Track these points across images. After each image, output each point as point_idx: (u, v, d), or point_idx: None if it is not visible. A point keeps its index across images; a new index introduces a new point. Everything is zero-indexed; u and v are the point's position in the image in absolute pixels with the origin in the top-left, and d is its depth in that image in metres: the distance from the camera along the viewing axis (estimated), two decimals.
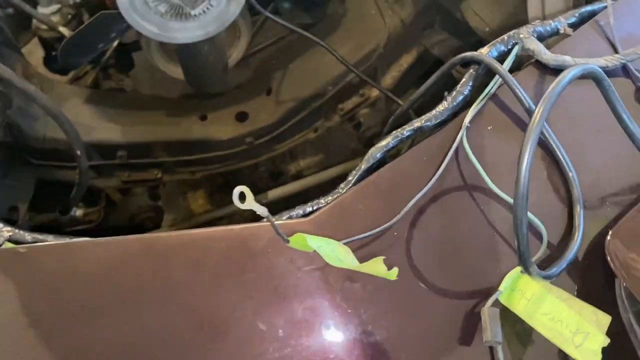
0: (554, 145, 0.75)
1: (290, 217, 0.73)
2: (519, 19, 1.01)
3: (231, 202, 1.50)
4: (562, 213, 0.73)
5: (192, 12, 0.99)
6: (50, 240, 0.70)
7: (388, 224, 0.70)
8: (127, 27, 1.02)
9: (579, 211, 0.71)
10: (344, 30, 1.20)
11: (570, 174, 0.73)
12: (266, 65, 1.24)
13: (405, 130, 0.79)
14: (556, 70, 0.78)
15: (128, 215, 1.21)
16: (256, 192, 1.34)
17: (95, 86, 1.22)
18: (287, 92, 1.20)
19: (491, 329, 0.63)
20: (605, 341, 0.62)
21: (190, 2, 0.99)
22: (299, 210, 0.74)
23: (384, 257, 0.64)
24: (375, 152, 0.79)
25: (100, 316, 0.63)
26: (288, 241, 0.65)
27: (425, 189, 0.72)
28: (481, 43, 1.09)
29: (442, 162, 0.74)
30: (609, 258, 0.65)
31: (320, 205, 0.73)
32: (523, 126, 0.77)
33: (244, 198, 0.62)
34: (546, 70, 0.80)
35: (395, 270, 0.63)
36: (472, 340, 0.66)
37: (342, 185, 0.76)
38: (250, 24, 1.17)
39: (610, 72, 0.78)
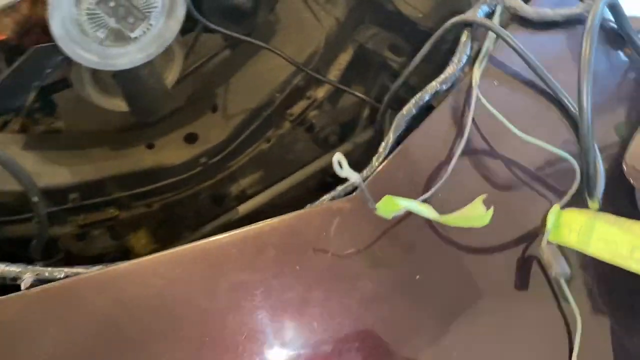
0: (557, 91, 0.79)
1: (333, 198, 0.72)
2: (450, 2, 1.06)
3: (177, 238, 1.41)
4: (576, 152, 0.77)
5: (132, 35, 0.96)
6: (83, 271, 0.64)
7: (438, 184, 0.72)
8: (62, 60, 0.96)
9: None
10: (281, 37, 1.20)
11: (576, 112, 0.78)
12: (206, 82, 1.20)
13: (426, 94, 0.81)
14: (538, 23, 0.85)
15: (93, 260, 1.12)
16: (200, 221, 1.29)
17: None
18: (233, 106, 1.18)
19: (555, 262, 0.66)
20: None
21: (128, 25, 0.95)
22: (340, 191, 0.73)
23: (485, 195, 0.65)
24: (401, 121, 0.80)
25: (164, 339, 0.58)
26: (376, 208, 0.65)
27: (461, 146, 0.74)
28: (416, 30, 1.14)
29: (464, 120, 0.76)
30: (631, 180, 0.70)
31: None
32: (524, 77, 0.82)
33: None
34: (529, 23, 0.85)
35: (491, 211, 0.65)
36: (528, 282, 0.69)
37: (374, 159, 0.76)
38: (182, 44, 1.14)
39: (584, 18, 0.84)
